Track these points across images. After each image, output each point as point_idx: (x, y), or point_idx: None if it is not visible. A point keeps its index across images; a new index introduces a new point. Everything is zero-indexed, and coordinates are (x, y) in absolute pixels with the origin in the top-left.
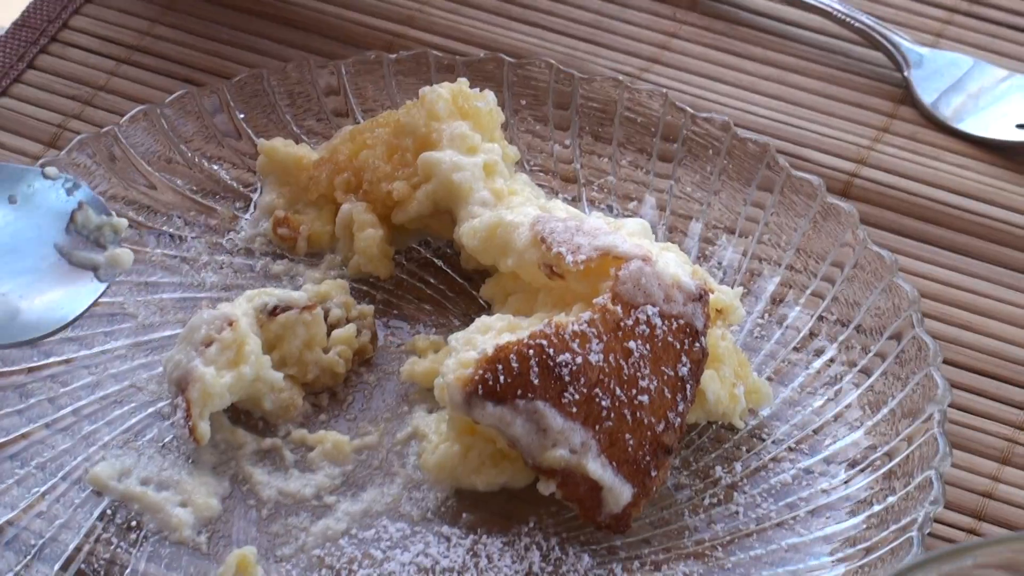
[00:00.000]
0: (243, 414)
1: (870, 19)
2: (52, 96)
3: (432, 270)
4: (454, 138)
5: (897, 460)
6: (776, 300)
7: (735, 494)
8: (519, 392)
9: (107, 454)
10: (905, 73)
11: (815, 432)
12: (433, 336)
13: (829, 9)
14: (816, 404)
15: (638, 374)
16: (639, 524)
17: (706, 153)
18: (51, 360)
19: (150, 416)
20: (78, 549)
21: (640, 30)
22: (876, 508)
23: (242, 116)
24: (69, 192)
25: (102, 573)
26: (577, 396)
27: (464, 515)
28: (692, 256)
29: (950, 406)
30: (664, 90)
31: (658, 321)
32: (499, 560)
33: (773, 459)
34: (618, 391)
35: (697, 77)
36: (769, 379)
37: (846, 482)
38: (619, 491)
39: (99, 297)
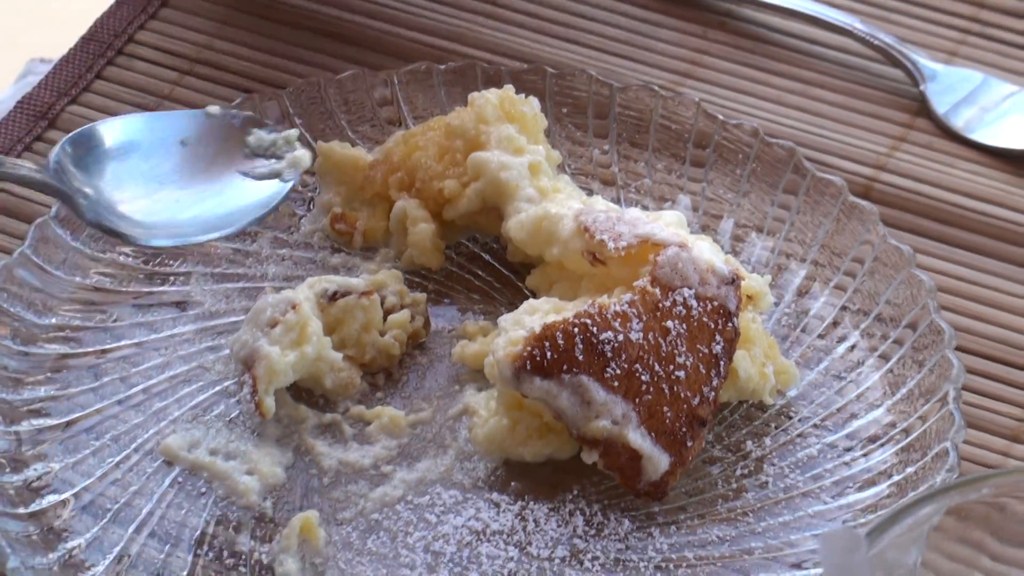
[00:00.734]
0: (305, 392)
1: (889, 37)
2: (119, 104)
3: (480, 263)
4: (501, 140)
5: (915, 435)
6: (802, 292)
7: (765, 466)
8: (565, 367)
9: (177, 428)
10: (921, 87)
11: (838, 411)
12: (482, 322)
13: (851, 28)
14: (840, 386)
15: (675, 351)
16: (675, 493)
17: (736, 157)
18: (122, 343)
19: (217, 394)
20: (150, 513)
21: (672, 47)
22: (896, 478)
23: (300, 122)
24: (236, 122)
25: (173, 534)
26: (618, 371)
27: (512, 483)
28: (723, 252)
29: (964, 389)
30: (697, 98)
31: (694, 303)
32: (545, 524)
33: (800, 435)
34: (656, 367)
35: (726, 91)
36: (796, 363)
37: (866, 455)
38: (657, 460)
39: (288, 193)
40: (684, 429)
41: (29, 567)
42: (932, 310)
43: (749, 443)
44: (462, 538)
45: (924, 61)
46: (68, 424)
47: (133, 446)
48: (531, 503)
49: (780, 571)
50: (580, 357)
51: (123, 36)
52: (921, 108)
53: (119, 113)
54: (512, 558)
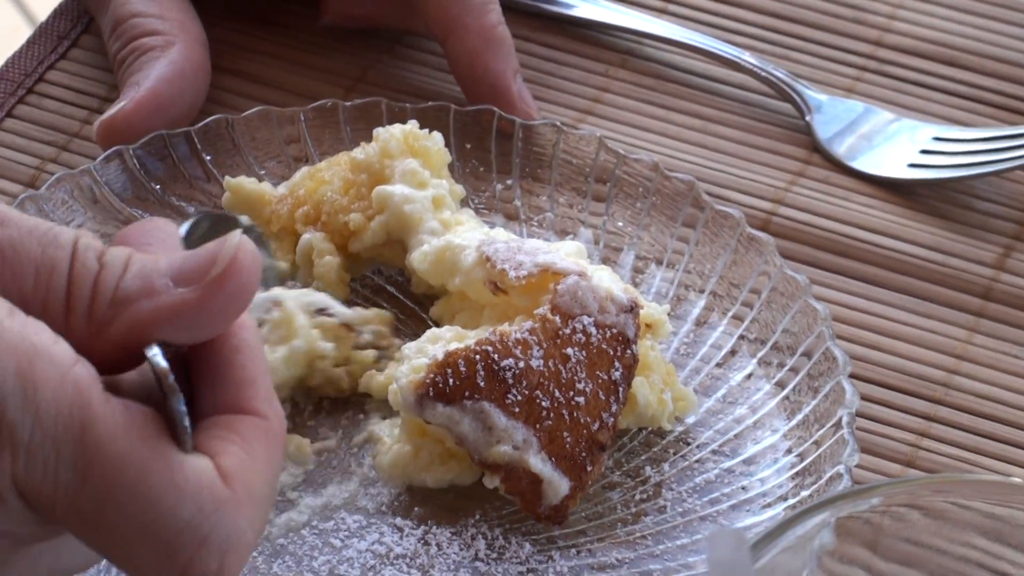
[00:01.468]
0: None
1: (780, 71)
2: (30, 142)
3: (385, 295)
4: (405, 173)
5: (810, 459)
6: (701, 322)
7: (663, 491)
8: (467, 394)
9: None
10: (807, 118)
11: (736, 437)
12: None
13: (739, 60)
14: (737, 412)
15: (575, 378)
16: (576, 517)
17: (636, 191)
18: None
19: None
20: None
21: (575, 85)
22: (791, 501)
23: (208, 158)
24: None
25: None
26: (519, 397)
27: (415, 508)
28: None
29: (861, 416)
30: (598, 133)
31: (593, 330)
32: (448, 548)
33: (698, 460)
34: (557, 393)
35: (627, 127)
36: (695, 391)
37: (762, 479)
38: (558, 484)
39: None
40: (584, 454)
41: None
42: (827, 338)
43: (648, 469)
44: (366, 562)
45: (810, 93)
46: None
47: None
48: (434, 527)
49: None
50: (482, 384)
51: (33, 75)
52: (818, 143)
53: (30, 151)
54: None
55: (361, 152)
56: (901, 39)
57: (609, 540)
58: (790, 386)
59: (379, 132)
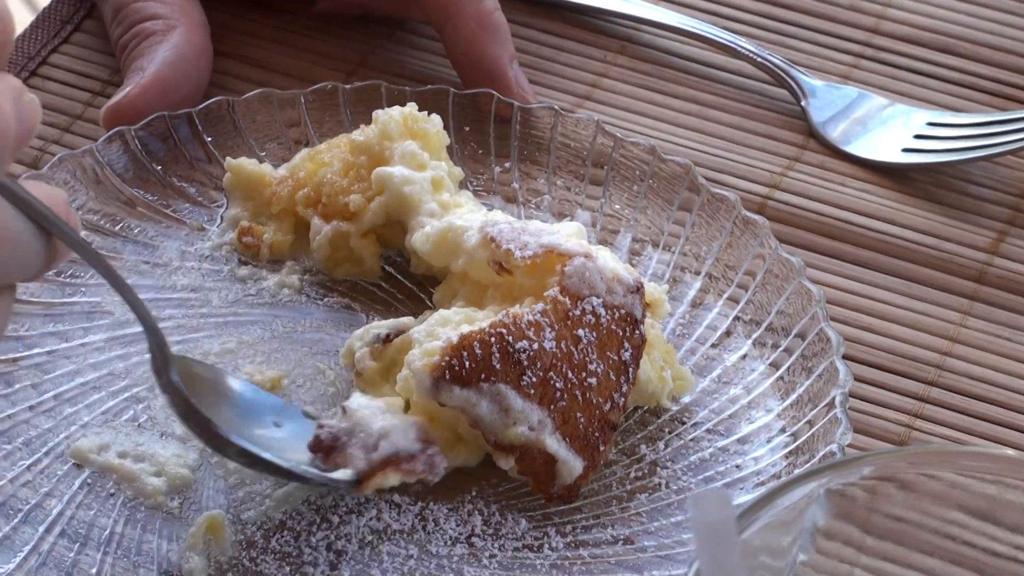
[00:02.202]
0: None
1: (776, 57)
2: None
3: (383, 275)
4: (405, 155)
5: (804, 438)
6: (696, 304)
7: (658, 469)
8: (483, 376)
9: (87, 432)
10: (803, 103)
11: (731, 416)
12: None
13: (735, 46)
14: (732, 392)
15: (587, 359)
16: None
17: (633, 175)
18: (34, 351)
19: (126, 400)
20: (61, 514)
21: (573, 70)
22: (784, 479)
23: (209, 140)
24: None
25: (83, 534)
26: (534, 379)
27: (413, 485)
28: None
29: (854, 397)
30: (596, 118)
31: (602, 311)
32: (444, 524)
33: (693, 439)
34: (570, 374)
35: (625, 112)
36: (691, 371)
37: (756, 458)
38: (572, 464)
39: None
40: (596, 434)
41: None
42: (821, 319)
43: (644, 447)
44: (363, 537)
45: (805, 79)
46: None
47: (44, 450)
48: (431, 504)
49: (672, 568)
50: (497, 366)
51: (36, 59)
52: (814, 129)
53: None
54: (412, 556)
55: (361, 134)
56: (896, 26)
57: (604, 518)
58: (784, 366)
59: (378, 114)
